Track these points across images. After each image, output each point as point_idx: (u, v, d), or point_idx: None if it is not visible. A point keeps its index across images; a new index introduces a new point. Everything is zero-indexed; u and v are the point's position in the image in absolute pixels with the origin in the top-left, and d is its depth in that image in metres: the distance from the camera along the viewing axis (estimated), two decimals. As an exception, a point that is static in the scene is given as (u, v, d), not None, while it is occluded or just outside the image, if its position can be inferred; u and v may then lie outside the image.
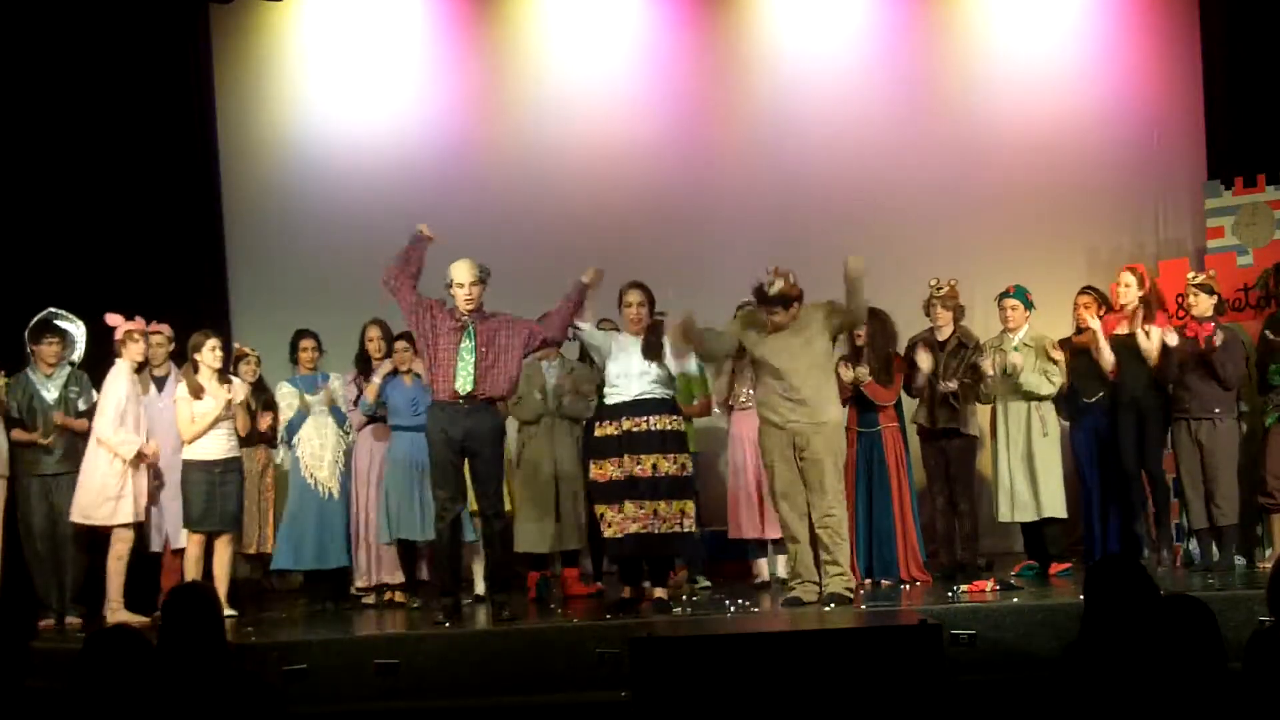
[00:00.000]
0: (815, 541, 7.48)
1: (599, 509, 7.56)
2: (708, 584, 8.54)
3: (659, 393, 7.53)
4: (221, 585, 7.96)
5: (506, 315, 7.46)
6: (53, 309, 8.39)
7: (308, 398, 8.51)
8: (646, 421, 7.45)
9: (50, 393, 8.29)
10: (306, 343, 8.62)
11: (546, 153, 10.24)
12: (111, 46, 9.77)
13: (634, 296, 7.66)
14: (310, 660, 6.83)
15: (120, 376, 8.04)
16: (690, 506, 7.54)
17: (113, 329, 8.19)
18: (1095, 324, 8.18)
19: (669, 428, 7.49)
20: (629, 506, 7.40)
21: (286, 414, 8.49)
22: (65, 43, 9.65)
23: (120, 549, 8.07)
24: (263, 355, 8.82)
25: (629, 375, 7.51)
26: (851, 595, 7.38)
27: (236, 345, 8.72)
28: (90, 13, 9.71)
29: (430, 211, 10.08)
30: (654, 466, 7.41)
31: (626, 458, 7.42)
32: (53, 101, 9.61)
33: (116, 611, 7.97)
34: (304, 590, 8.74)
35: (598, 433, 7.60)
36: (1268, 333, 8.12)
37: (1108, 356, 8.17)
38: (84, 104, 9.68)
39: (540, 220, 10.18)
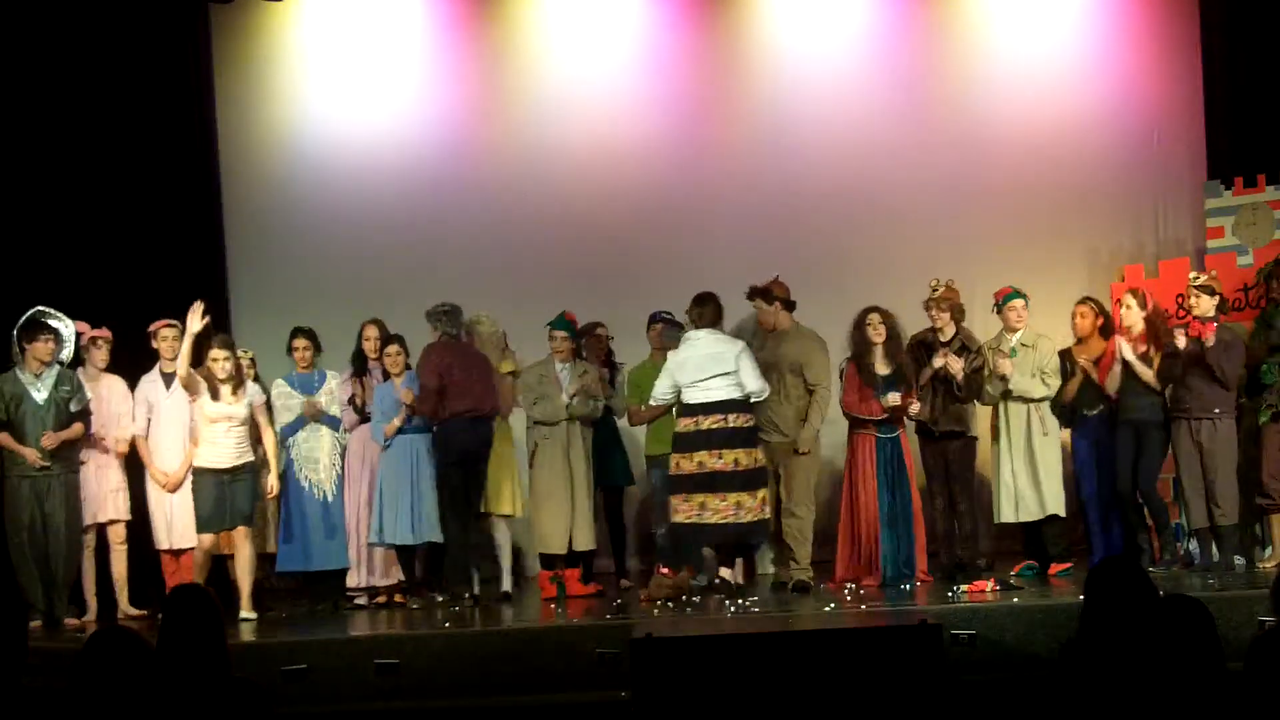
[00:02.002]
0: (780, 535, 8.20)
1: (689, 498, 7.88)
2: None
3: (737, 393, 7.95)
4: (245, 582, 7.99)
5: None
6: (42, 308, 8.30)
7: (304, 399, 8.49)
8: (725, 419, 7.86)
9: (40, 393, 8.17)
10: (298, 341, 8.59)
11: (546, 152, 10.23)
12: (112, 47, 9.74)
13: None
14: (310, 660, 6.83)
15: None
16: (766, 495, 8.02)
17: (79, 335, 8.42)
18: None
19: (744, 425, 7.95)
20: (711, 499, 7.81)
21: (282, 415, 8.48)
22: (66, 43, 9.62)
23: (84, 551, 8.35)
24: (263, 355, 8.81)
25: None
26: (810, 584, 8.00)
27: None
28: (90, 13, 9.69)
29: (430, 211, 10.20)
30: (735, 461, 7.84)
31: (706, 453, 7.85)
32: (53, 102, 9.58)
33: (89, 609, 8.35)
34: (304, 590, 8.74)
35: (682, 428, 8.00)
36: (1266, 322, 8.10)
37: (1113, 384, 8.17)
38: (84, 104, 9.66)
39: (539, 219, 10.17)
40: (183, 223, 9.89)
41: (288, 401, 8.49)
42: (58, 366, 8.26)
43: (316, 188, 10.25)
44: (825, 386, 8.18)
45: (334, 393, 8.56)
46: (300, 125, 10.37)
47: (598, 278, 9.96)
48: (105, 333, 8.57)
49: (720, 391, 7.89)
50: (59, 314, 8.33)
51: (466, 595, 8.22)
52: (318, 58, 10.39)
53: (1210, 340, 7.92)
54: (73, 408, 8.22)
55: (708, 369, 7.90)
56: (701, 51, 10.40)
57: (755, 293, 8.32)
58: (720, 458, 7.82)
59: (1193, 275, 8.33)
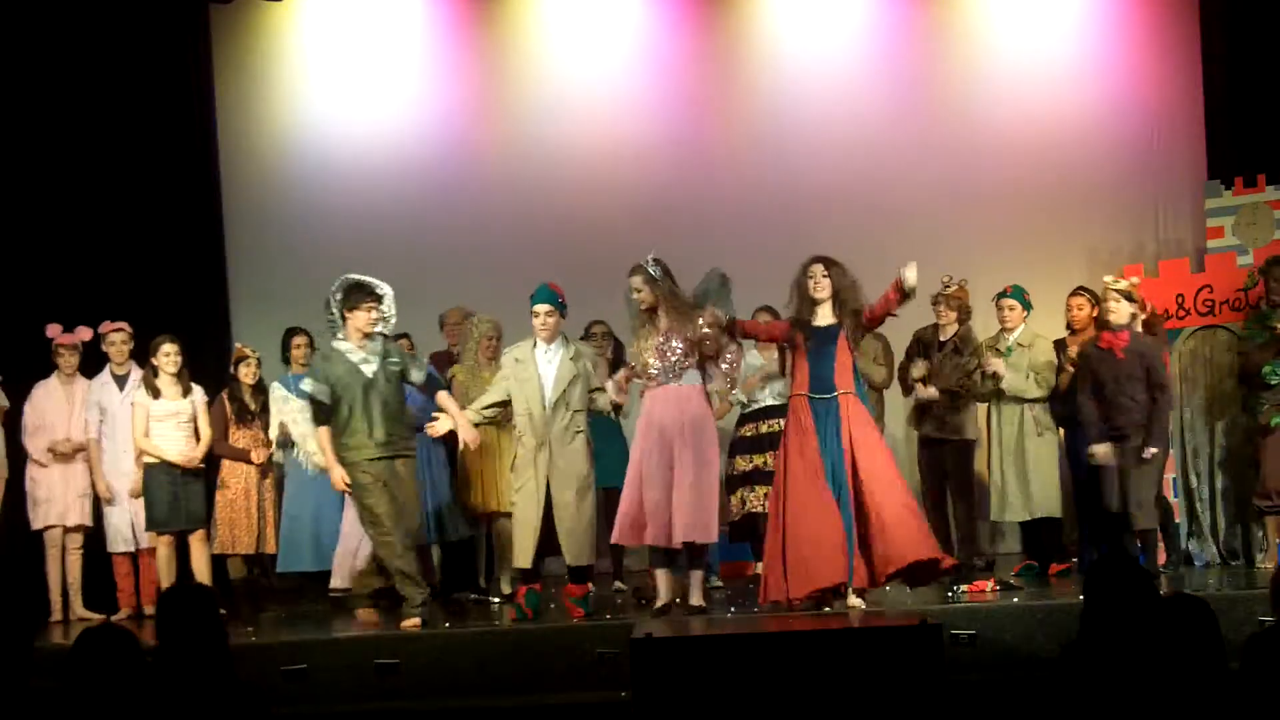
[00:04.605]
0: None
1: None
2: (720, 583, 8.52)
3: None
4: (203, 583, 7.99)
5: None
6: (356, 275, 7.37)
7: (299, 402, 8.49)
8: (778, 423, 8.01)
9: (368, 366, 7.23)
10: (299, 339, 8.59)
11: (546, 153, 10.24)
12: (112, 47, 9.75)
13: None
14: (310, 660, 6.83)
15: (38, 391, 8.45)
16: None
17: (50, 339, 8.45)
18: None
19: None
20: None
21: (278, 418, 8.47)
22: (66, 44, 9.63)
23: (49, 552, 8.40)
24: (262, 356, 8.82)
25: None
26: None
27: (238, 346, 8.78)
28: (91, 13, 9.70)
29: (429, 211, 10.21)
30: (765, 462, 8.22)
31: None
32: (53, 103, 9.59)
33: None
34: (303, 590, 8.74)
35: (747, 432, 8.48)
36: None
37: None
38: (84, 105, 9.66)
39: (539, 219, 10.18)
40: (183, 223, 9.90)
41: (283, 405, 8.49)
42: (380, 338, 7.34)
43: (316, 187, 10.27)
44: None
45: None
46: (300, 125, 10.38)
47: (598, 277, 9.91)
48: (76, 336, 8.53)
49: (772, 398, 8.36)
50: (377, 281, 7.39)
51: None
52: (318, 58, 10.41)
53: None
54: (415, 379, 7.37)
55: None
56: (701, 51, 10.41)
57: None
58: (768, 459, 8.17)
59: (1109, 279, 7.85)
